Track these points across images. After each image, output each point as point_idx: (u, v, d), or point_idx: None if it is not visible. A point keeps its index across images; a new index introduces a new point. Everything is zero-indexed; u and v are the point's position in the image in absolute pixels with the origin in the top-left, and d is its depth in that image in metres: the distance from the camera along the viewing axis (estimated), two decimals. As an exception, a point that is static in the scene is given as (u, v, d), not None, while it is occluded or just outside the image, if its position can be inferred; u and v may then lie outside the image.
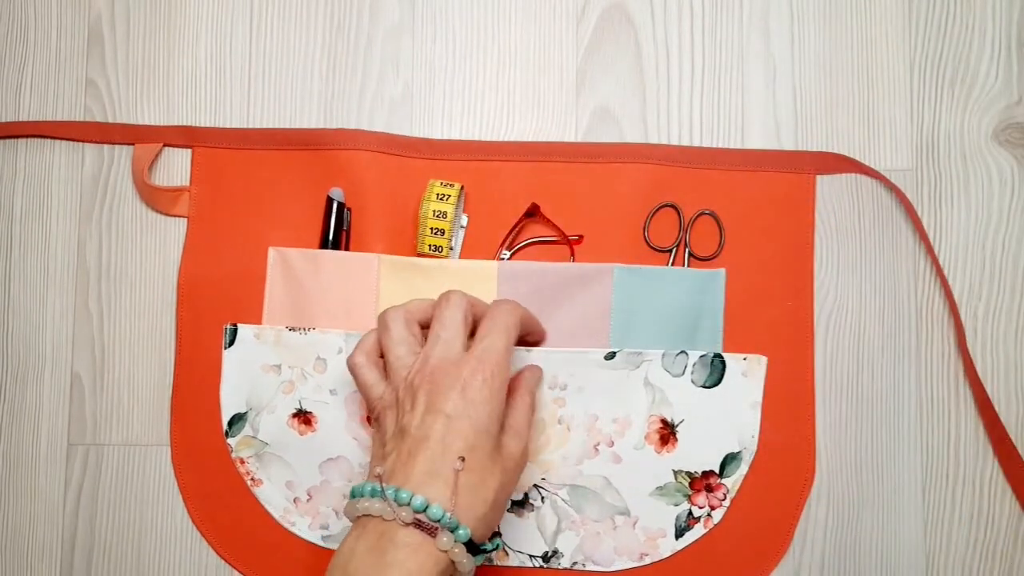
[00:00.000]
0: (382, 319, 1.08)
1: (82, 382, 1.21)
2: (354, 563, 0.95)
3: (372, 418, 1.07)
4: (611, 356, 1.16)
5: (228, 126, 1.23)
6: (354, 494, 1.00)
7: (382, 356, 1.08)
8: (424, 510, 0.95)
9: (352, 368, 1.08)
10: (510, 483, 1.02)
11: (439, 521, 0.95)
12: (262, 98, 1.24)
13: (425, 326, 1.08)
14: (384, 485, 0.97)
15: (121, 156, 1.22)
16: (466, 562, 0.96)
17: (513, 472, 1.03)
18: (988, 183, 1.20)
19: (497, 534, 1.16)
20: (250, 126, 1.23)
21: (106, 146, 1.23)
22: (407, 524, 0.95)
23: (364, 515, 0.97)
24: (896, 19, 1.22)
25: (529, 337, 1.15)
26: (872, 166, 1.20)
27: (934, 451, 1.18)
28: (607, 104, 1.23)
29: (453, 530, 0.95)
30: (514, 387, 1.09)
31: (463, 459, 0.97)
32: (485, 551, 1.00)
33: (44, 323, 1.22)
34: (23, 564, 1.19)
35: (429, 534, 0.95)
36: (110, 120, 1.23)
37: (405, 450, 0.99)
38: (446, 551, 0.95)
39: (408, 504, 0.95)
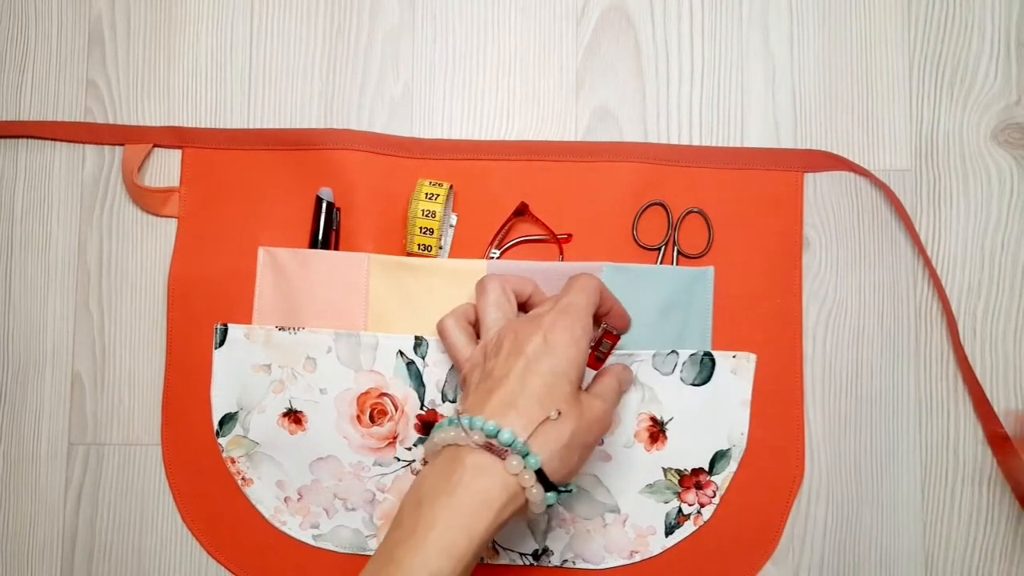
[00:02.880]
0: (481, 283, 1.11)
1: (82, 382, 1.21)
2: (425, 486, 0.97)
3: (460, 379, 1.10)
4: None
5: (228, 126, 1.23)
6: (432, 432, 1.02)
7: (473, 324, 1.12)
8: (495, 435, 0.96)
9: (441, 329, 1.12)
10: (588, 433, 1.02)
11: (510, 446, 0.96)
12: (262, 98, 1.24)
13: (520, 299, 1.12)
14: (460, 416, 0.99)
15: (122, 156, 1.22)
16: (536, 492, 0.97)
17: (594, 424, 1.03)
18: (987, 183, 1.20)
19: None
20: (250, 126, 1.23)
21: (107, 147, 1.23)
22: (478, 447, 0.97)
23: (441, 447, 1.00)
24: (896, 19, 1.22)
25: (611, 317, 1.12)
26: (871, 166, 1.20)
27: (933, 450, 1.17)
28: (607, 104, 1.23)
29: (524, 456, 0.96)
30: (603, 371, 1.10)
31: (559, 412, 0.99)
32: (559, 492, 1.00)
33: (44, 323, 1.22)
34: (23, 564, 1.20)
35: (498, 456, 0.96)
36: (111, 120, 1.23)
37: (485, 389, 1.02)
38: (516, 474, 0.96)
39: (481, 429, 0.97)
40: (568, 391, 1.01)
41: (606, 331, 1.10)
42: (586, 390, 1.06)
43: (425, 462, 1.13)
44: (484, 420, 0.97)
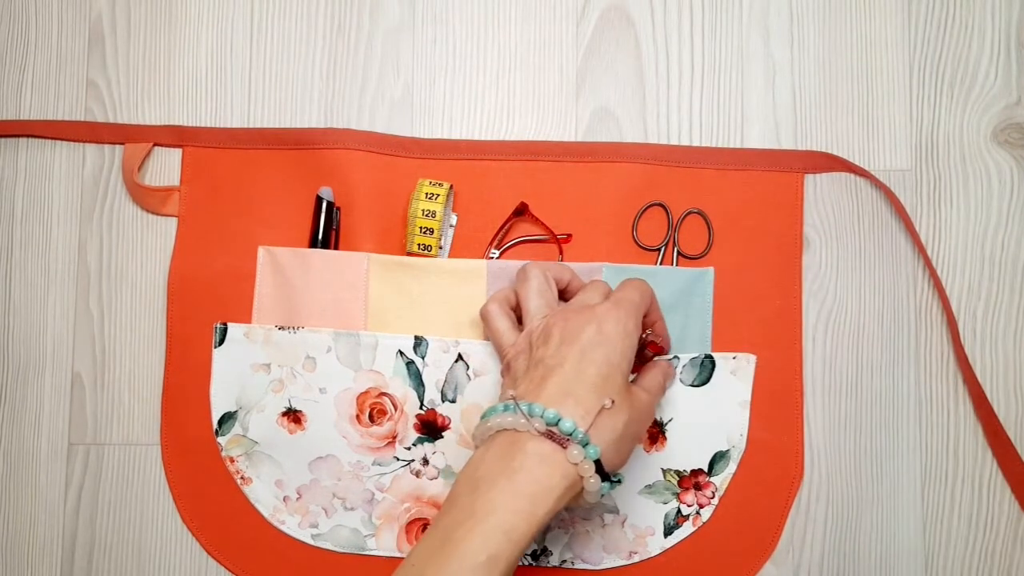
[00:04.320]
0: (523, 271, 1.12)
1: (82, 382, 1.21)
2: (482, 469, 0.98)
3: (503, 366, 1.10)
4: None
5: (228, 126, 1.23)
6: (485, 416, 1.02)
7: (513, 310, 1.13)
8: (556, 423, 0.97)
9: (485, 315, 1.12)
10: (639, 424, 1.04)
11: (571, 435, 0.97)
12: (262, 98, 1.24)
13: (560, 286, 1.13)
14: (516, 402, 0.99)
15: (122, 156, 1.22)
16: (594, 482, 0.98)
17: (643, 415, 1.04)
18: (987, 183, 1.20)
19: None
20: (250, 126, 1.23)
21: (107, 146, 1.23)
22: (539, 434, 0.97)
23: (496, 431, 1.00)
24: (896, 19, 1.22)
25: (654, 331, 1.12)
26: (871, 166, 1.20)
27: (933, 451, 1.17)
28: (607, 104, 1.23)
29: (584, 446, 0.97)
30: (647, 366, 1.12)
31: (613, 401, 0.99)
32: (613, 481, 1.01)
33: (44, 323, 1.22)
34: (23, 564, 1.20)
35: (560, 446, 0.96)
36: (111, 120, 1.23)
37: (538, 376, 1.02)
38: (576, 464, 0.96)
39: (541, 417, 0.97)
40: (620, 382, 1.01)
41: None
42: (632, 383, 1.07)
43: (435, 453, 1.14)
44: (544, 407, 0.98)
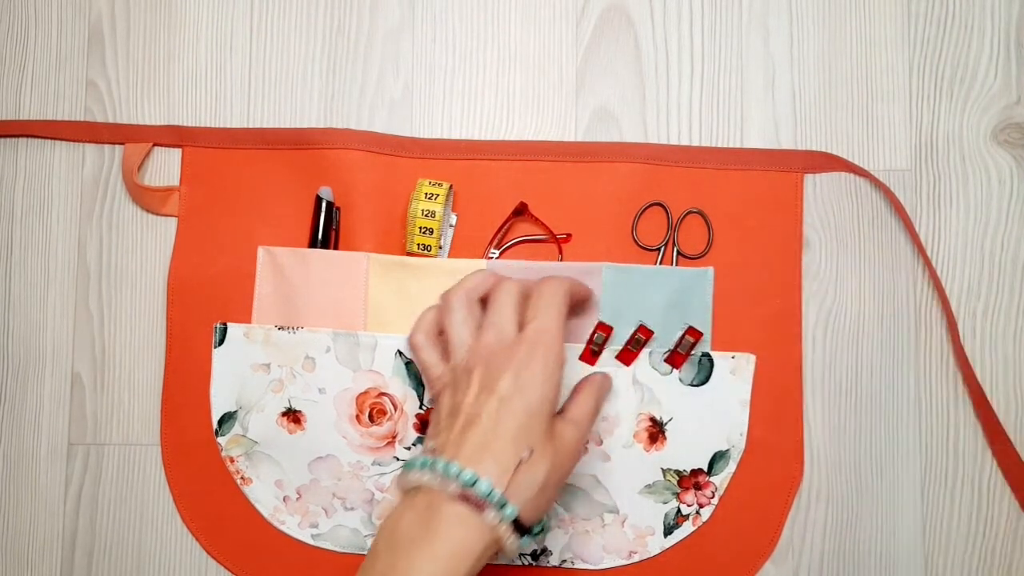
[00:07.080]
0: (445, 299, 1.10)
1: (82, 382, 1.21)
2: (400, 530, 0.97)
3: (432, 397, 1.10)
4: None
5: (228, 126, 1.23)
6: (406, 468, 1.01)
7: (441, 333, 1.11)
8: (472, 485, 0.96)
9: (413, 348, 1.12)
10: (562, 468, 1.03)
11: (487, 497, 0.96)
12: (262, 98, 1.24)
13: (484, 301, 1.10)
14: (435, 458, 0.99)
15: (122, 156, 1.22)
16: (512, 541, 0.98)
17: (566, 459, 1.03)
18: (987, 183, 1.20)
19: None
20: (250, 126, 1.23)
21: (107, 146, 1.23)
22: (454, 497, 0.96)
23: (414, 487, 1.00)
24: (895, 19, 1.22)
25: (578, 306, 1.14)
26: (871, 166, 1.20)
27: (933, 451, 1.17)
28: (607, 104, 1.23)
29: (501, 507, 0.97)
30: (581, 385, 1.11)
31: (532, 451, 0.99)
32: (533, 534, 1.01)
33: (44, 323, 1.22)
34: (23, 564, 1.20)
35: (476, 509, 0.96)
36: (111, 120, 1.23)
37: (457, 427, 1.01)
38: (492, 527, 0.96)
39: (457, 478, 0.97)
40: (542, 428, 1.01)
41: (600, 323, 1.11)
42: (561, 411, 1.07)
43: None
44: (461, 467, 0.97)
